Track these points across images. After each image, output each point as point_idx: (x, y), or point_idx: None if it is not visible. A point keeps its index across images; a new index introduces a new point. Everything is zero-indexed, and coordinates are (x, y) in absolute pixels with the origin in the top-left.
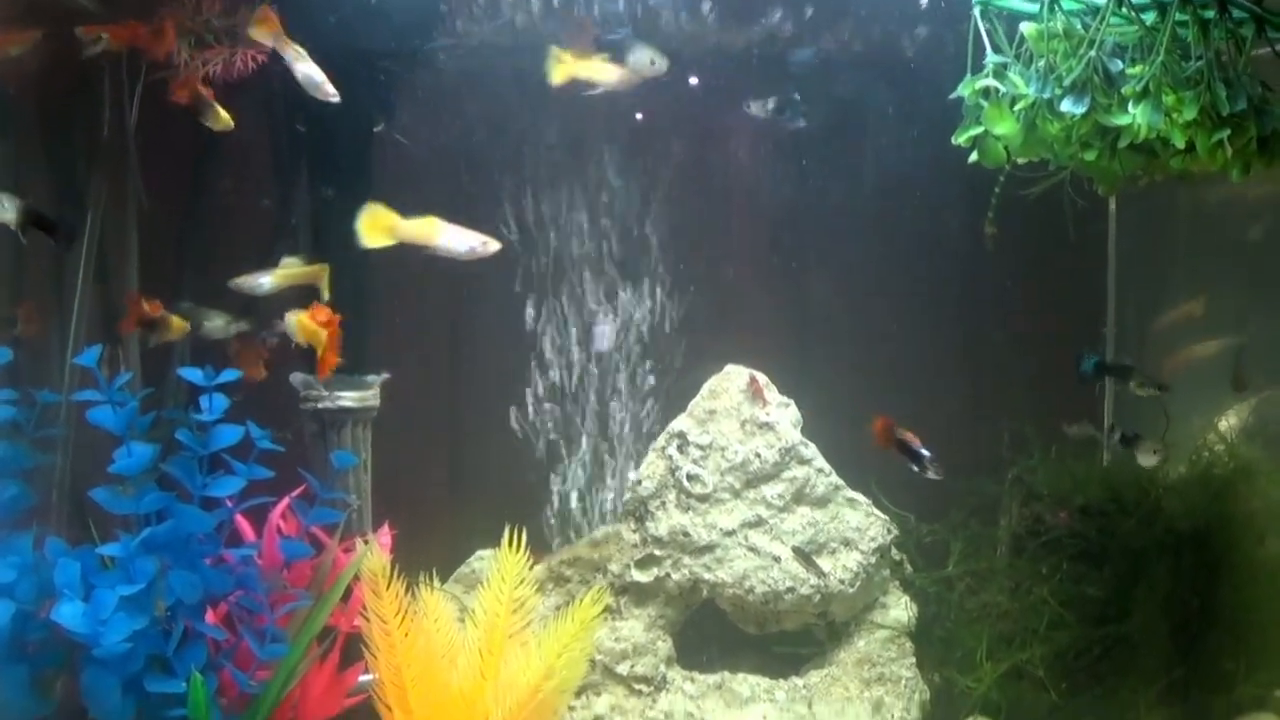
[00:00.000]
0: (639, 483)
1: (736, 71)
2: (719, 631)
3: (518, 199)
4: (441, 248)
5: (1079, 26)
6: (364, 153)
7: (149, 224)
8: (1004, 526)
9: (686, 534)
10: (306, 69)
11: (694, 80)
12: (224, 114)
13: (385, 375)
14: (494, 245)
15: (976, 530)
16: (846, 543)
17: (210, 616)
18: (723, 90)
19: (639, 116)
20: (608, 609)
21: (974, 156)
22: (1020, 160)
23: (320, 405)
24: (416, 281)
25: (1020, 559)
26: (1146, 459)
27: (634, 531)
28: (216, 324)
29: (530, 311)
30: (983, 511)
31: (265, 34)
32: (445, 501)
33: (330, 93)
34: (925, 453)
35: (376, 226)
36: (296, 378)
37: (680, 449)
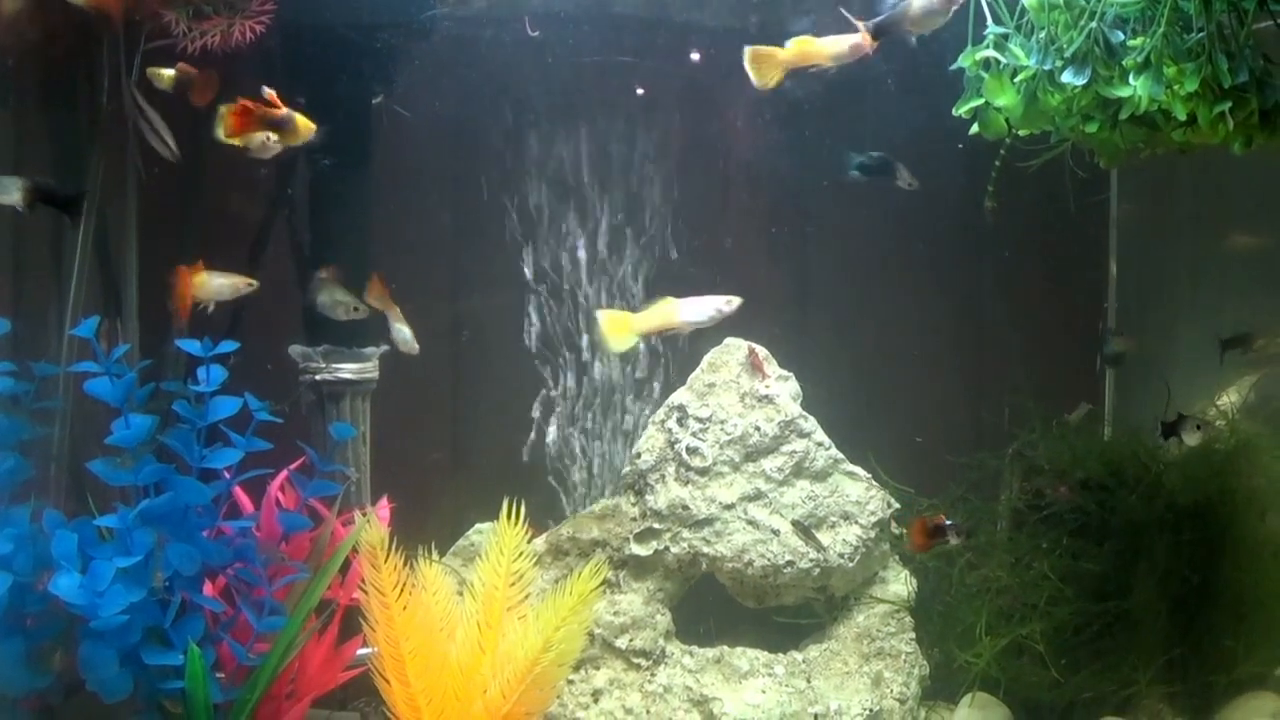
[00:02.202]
0: (638, 456)
1: (731, 46)
2: (718, 605)
3: (515, 171)
4: (688, 324)
5: None
6: (362, 123)
7: (148, 194)
8: (1004, 501)
9: (686, 507)
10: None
11: (693, 54)
12: (305, 121)
13: (384, 347)
14: (736, 302)
15: (977, 504)
16: (846, 517)
17: (208, 589)
18: (720, 61)
19: (640, 91)
20: (606, 582)
21: (975, 128)
22: (1021, 133)
23: (318, 377)
24: (416, 252)
25: (1020, 534)
26: (1191, 437)
27: (633, 505)
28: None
29: (530, 279)
30: (983, 486)
31: (376, 299)
32: (444, 474)
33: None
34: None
35: (618, 330)
36: (295, 349)
37: (680, 422)
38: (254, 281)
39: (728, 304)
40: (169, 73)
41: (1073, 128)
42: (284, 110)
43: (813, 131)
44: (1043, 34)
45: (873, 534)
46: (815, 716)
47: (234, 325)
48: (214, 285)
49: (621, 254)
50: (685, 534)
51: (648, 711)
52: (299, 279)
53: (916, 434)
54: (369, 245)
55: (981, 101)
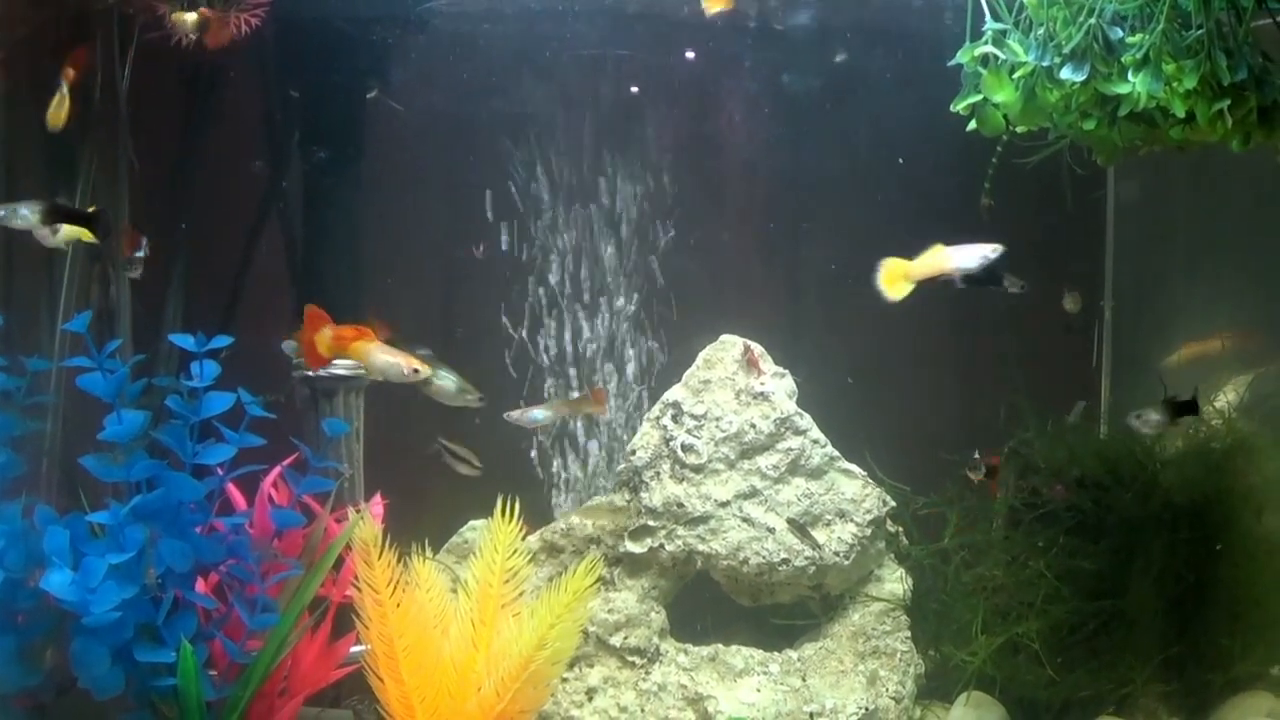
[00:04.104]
0: (633, 453)
1: (729, 39)
2: (713, 603)
3: (511, 165)
4: (959, 270)
5: None
6: (356, 117)
7: (140, 187)
8: (1000, 499)
9: (680, 505)
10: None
11: (689, 52)
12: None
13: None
14: (1000, 249)
15: (973, 503)
16: (841, 514)
17: (201, 585)
18: (714, 56)
19: (634, 90)
20: (601, 580)
21: (972, 124)
22: (1019, 129)
23: (312, 373)
24: (410, 247)
25: (1016, 532)
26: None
27: (628, 502)
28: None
29: (528, 279)
30: (979, 483)
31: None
32: (438, 470)
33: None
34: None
35: (895, 276)
36: (289, 345)
37: (675, 419)
38: (425, 368)
39: (993, 251)
40: (192, 17)
41: (1070, 125)
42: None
43: (808, 126)
44: (1041, 30)
45: (868, 532)
46: (811, 715)
47: (227, 319)
48: (379, 361)
49: (611, 247)
50: (680, 531)
51: (642, 710)
52: (292, 270)
53: (849, 376)
54: (359, 234)
55: (980, 98)
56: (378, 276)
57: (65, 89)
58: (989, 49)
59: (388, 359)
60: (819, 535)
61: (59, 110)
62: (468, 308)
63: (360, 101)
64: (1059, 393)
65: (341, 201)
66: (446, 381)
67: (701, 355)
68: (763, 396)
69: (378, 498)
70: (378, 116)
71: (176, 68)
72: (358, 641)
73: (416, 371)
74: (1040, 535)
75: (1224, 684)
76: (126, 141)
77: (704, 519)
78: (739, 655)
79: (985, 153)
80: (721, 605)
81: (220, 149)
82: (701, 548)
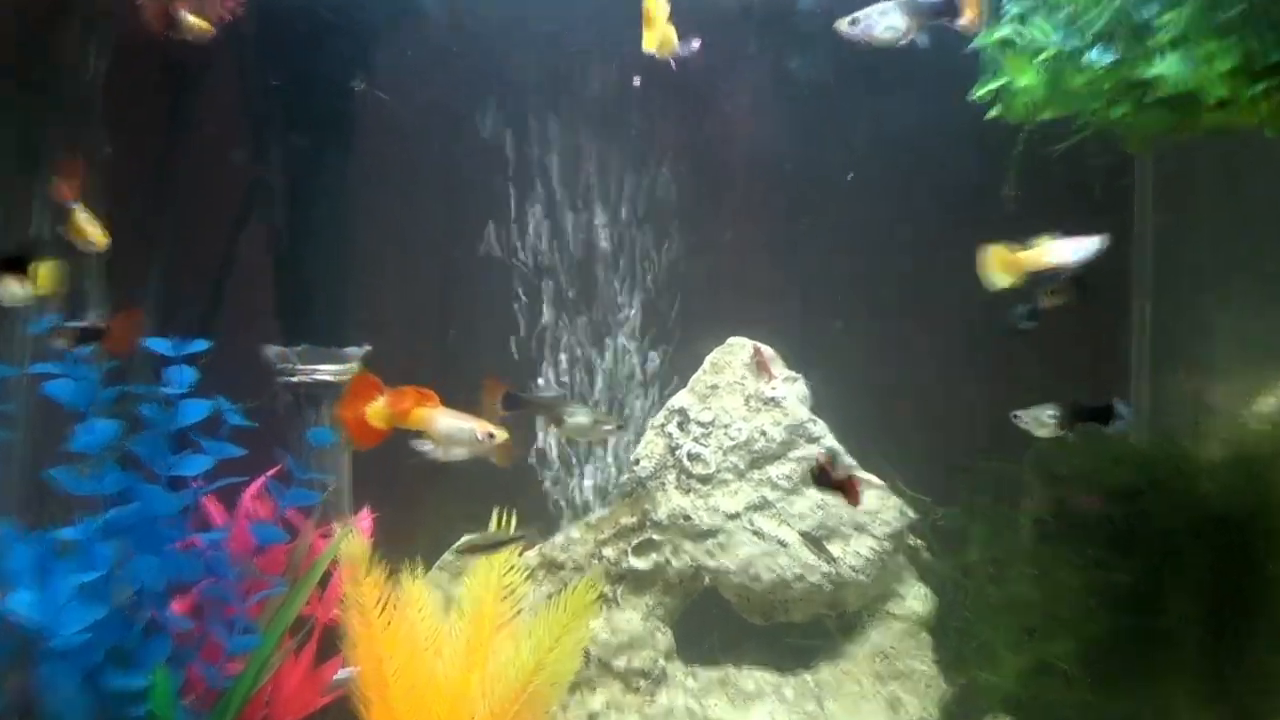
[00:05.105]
0: (636, 462)
1: (737, 30)
2: (722, 622)
3: (510, 161)
4: (1068, 263)
5: None
6: (339, 106)
7: (111, 178)
8: (1027, 510)
9: (687, 517)
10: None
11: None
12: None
13: (367, 348)
14: (1106, 240)
15: (998, 514)
16: (859, 527)
17: (176, 606)
18: (724, 48)
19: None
20: (602, 598)
21: (994, 111)
22: (1044, 116)
23: (295, 379)
24: (400, 247)
25: (1045, 545)
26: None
27: (631, 515)
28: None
29: (522, 279)
30: (1004, 493)
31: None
32: (430, 483)
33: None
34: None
35: (1003, 265)
36: (270, 350)
37: (680, 426)
38: (500, 432)
39: (1103, 240)
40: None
41: (1098, 111)
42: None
43: (825, 116)
44: (1065, 11)
45: (887, 546)
46: None
47: (207, 322)
48: (445, 428)
49: (615, 247)
50: (687, 546)
51: None
52: (275, 270)
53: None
54: (350, 242)
55: (1002, 83)
56: (368, 269)
57: None
58: (1011, 31)
59: (456, 425)
60: (835, 549)
61: None
62: (466, 312)
63: (347, 93)
64: (1089, 396)
65: (332, 195)
66: (579, 418)
67: (709, 358)
68: (774, 402)
69: (366, 511)
70: (367, 108)
71: (157, 56)
72: (345, 665)
73: (491, 436)
74: (1070, 548)
75: (1272, 709)
76: (101, 138)
77: (712, 532)
78: (750, 678)
79: (1009, 141)
80: (731, 624)
81: (203, 140)
82: (710, 563)
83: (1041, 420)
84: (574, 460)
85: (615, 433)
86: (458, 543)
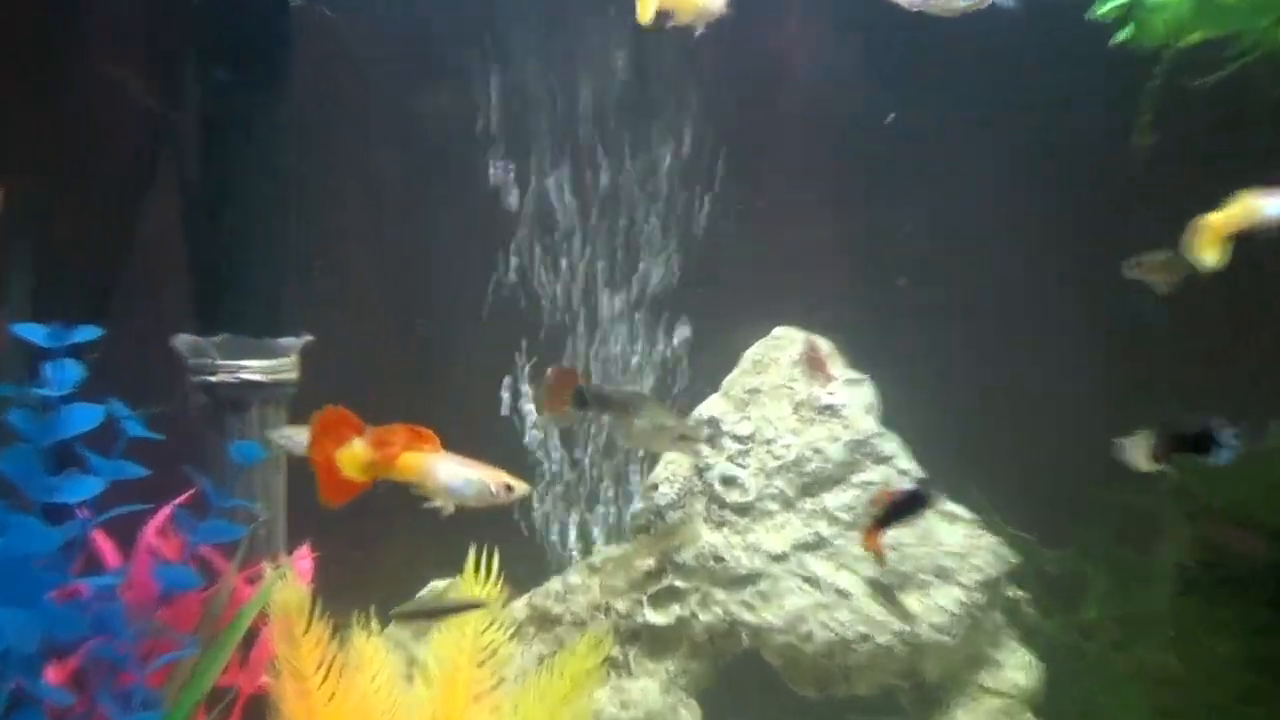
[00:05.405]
0: (654, 487)
1: None
2: (763, 695)
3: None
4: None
5: None
6: (272, 27)
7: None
8: (1165, 555)
9: (719, 558)
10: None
11: None
12: None
13: (307, 338)
14: None
15: (1126, 559)
16: (941, 573)
17: (53, 673)
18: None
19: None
20: (610, 661)
21: (1123, 34)
22: (1189, 41)
23: (214, 378)
24: (353, 212)
25: (1189, 600)
26: None
27: (647, 555)
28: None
29: (514, 262)
30: (1133, 532)
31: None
32: (389, 513)
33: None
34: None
35: (1209, 239)
36: (182, 339)
37: (711, 441)
38: (520, 485)
39: None
40: None
41: (1266, 31)
42: None
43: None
44: None
45: (979, 598)
46: None
47: (100, 305)
48: (447, 480)
49: (654, 222)
50: (719, 595)
51: None
52: (186, 237)
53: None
54: (289, 196)
55: None
56: (310, 239)
57: None
58: None
59: (463, 475)
60: (911, 602)
61: None
62: (433, 295)
63: (282, 8)
64: (1249, 407)
65: (261, 141)
66: (660, 419)
67: (748, 354)
68: (831, 410)
69: (305, 549)
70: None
71: None
72: None
73: (509, 489)
74: (1225, 605)
75: None
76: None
77: (752, 578)
78: None
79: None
80: (776, 696)
81: (91, 72)
82: (748, 617)
83: (1145, 450)
84: (574, 481)
85: (698, 443)
86: (396, 609)
